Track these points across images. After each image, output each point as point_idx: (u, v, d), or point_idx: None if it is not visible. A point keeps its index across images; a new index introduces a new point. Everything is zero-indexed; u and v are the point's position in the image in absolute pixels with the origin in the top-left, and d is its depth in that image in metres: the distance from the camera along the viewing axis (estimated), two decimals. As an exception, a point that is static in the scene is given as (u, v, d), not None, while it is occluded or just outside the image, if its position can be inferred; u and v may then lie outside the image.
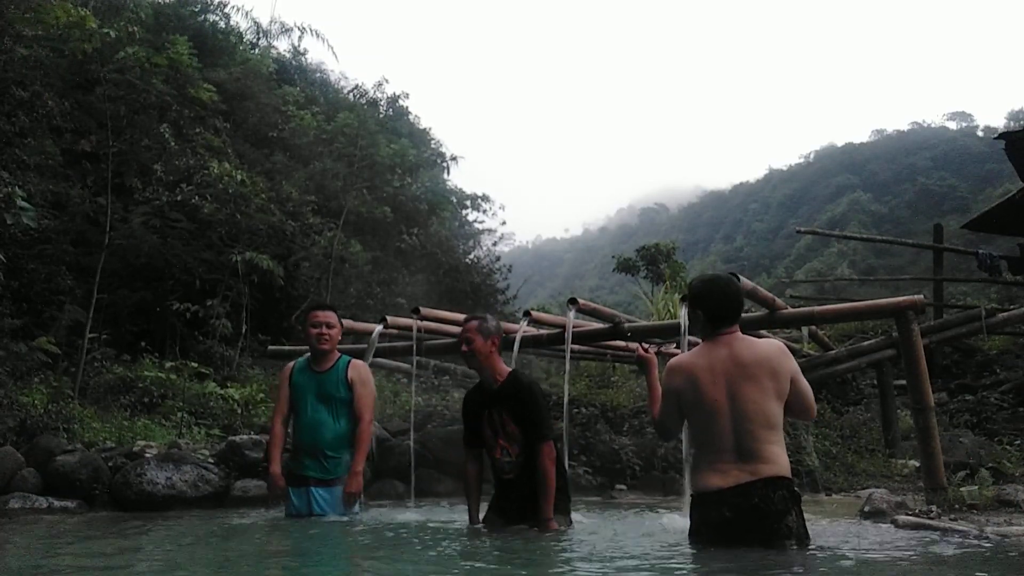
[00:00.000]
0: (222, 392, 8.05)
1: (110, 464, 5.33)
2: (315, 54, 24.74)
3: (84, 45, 9.31)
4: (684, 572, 2.95)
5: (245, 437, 5.83)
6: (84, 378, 7.62)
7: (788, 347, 3.36)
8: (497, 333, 3.93)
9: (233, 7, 16.53)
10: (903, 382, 6.84)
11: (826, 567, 2.77)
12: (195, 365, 8.80)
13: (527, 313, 5.90)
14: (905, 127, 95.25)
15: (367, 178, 14.27)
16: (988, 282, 15.00)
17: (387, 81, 22.71)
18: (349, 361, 4.54)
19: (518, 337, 5.30)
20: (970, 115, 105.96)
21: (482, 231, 21.43)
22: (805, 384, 3.15)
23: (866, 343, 8.28)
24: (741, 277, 4.36)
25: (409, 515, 4.77)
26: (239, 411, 7.68)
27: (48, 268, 9.18)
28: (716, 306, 3.19)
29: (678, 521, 3.77)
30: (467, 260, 17.78)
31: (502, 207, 21.61)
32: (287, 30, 18.40)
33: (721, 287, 3.24)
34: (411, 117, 21.21)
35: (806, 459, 6.23)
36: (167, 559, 3.37)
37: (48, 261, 9.24)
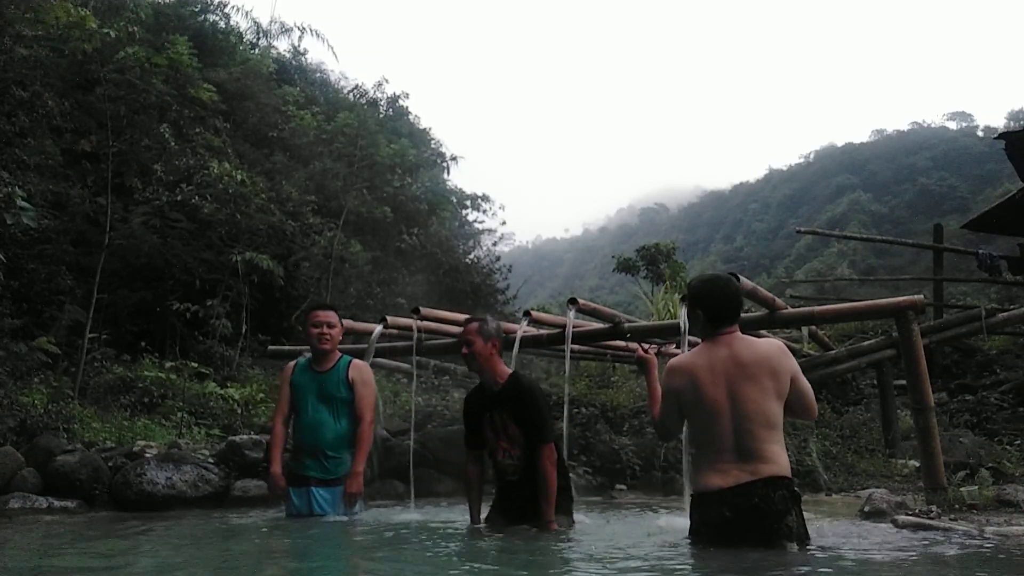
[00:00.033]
0: (222, 392, 8.05)
1: (110, 464, 5.33)
2: (315, 54, 24.78)
3: (84, 45, 9.32)
4: (684, 572, 2.95)
5: (245, 437, 5.83)
6: (84, 378, 7.62)
7: (788, 347, 3.36)
8: (497, 335, 3.92)
9: (233, 7, 16.56)
10: (903, 382, 6.83)
11: (826, 567, 2.77)
12: (195, 365, 8.80)
13: (527, 313, 5.89)
14: (905, 127, 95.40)
15: (367, 178, 14.28)
16: (988, 282, 15.00)
17: (387, 81, 22.76)
18: (350, 361, 4.54)
19: (518, 337, 5.30)
20: (970, 115, 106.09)
21: (482, 231, 21.46)
22: (805, 383, 3.15)
23: (866, 343, 8.27)
24: (741, 277, 4.36)
25: (409, 515, 4.77)
26: (239, 411, 7.68)
27: (48, 268, 9.18)
28: (716, 306, 3.19)
29: (678, 521, 3.77)
30: (467, 260, 17.78)
31: (502, 207, 21.65)
32: (287, 30, 18.43)
33: (721, 287, 3.24)
34: (411, 117, 21.23)
35: (806, 459, 6.23)
36: (167, 559, 3.37)
37: (48, 261, 9.23)
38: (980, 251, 13.09)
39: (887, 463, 6.76)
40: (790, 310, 6.09)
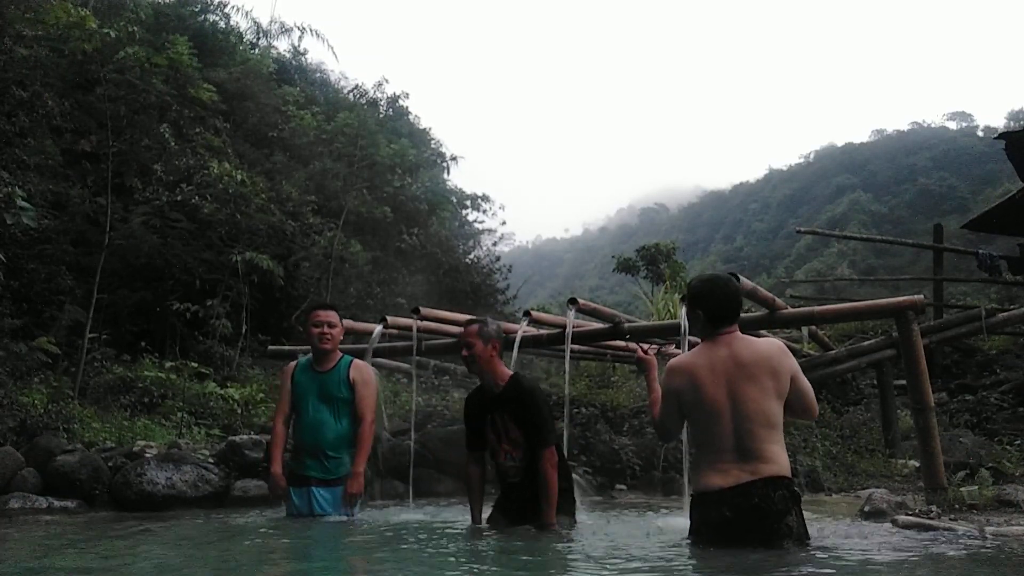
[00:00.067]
0: (222, 392, 8.05)
1: (110, 464, 5.33)
2: (315, 54, 24.80)
3: (84, 45, 9.32)
4: (684, 572, 2.96)
5: (245, 437, 5.82)
6: (84, 378, 7.62)
7: (788, 347, 3.36)
8: (497, 337, 3.90)
9: (233, 7, 16.58)
10: (903, 382, 6.83)
11: (826, 567, 2.77)
12: (195, 365, 8.80)
13: (527, 313, 5.89)
14: (905, 127, 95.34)
15: (367, 178, 14.29)
16: (988, 282, 15.00)
17: (387, 81, 22.76)
18: (351, 361, 4.53)
19: (518, 337, 5.30)
20: (970, 115, 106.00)
21: (482, 231, 21.49)
22: (806, 383, 3.15)
23: (866, 343, 8.27)
24: (741, 277, 4.36)
25: (409, 515, 4.77)
26: (239, 411, 7.68)
27: (48, 268, 9.18)
28: (716, 306, 3.19)
29: (678, 521, 3.77)
30: (467, 260, 17.80)
31: (502, 207, 21.69)
32: (287, 30, 18.46)
33: (720, 287, 3.24)
34: (411, 117, 21.25)
35: (807, 459, 6.23)
36: (167, 559, 3.37)
37: (48, 261, 9.24)
38: (980, 251, 13.09)
39: (887, 463, 6.76)
40: (790, 310, 6.09)
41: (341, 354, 4.58)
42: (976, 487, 4.88)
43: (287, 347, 7.66)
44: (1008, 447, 6.66)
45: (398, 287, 13.84)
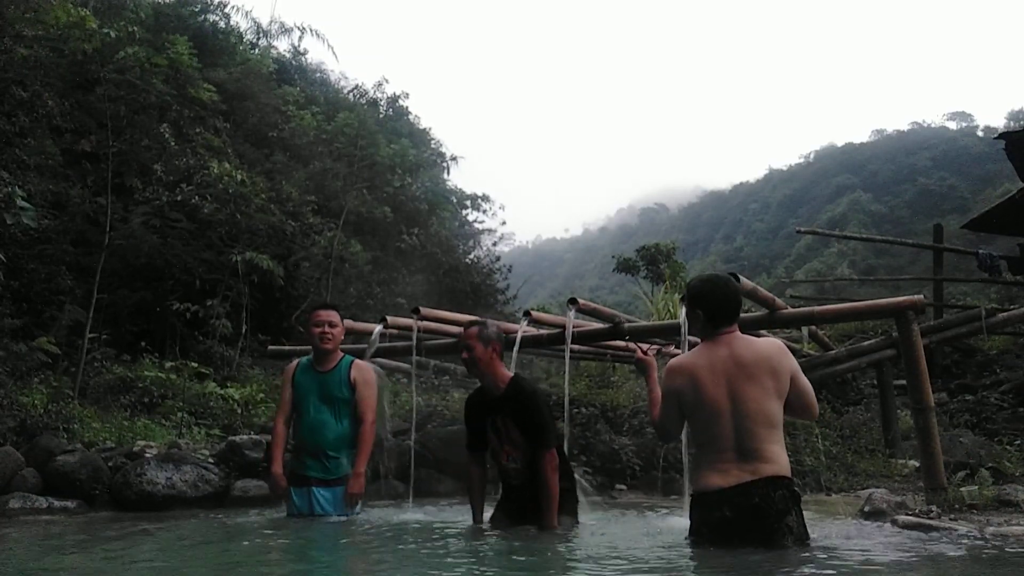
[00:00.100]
0: (222, 392, 8.05)
1: (110, 464, 5.33)
2: (315, 54, 24.80)
3: (84, 45, 9.33)
4: (684, 572, 2.96)
5: (245, 437, 5.82)
6: (84, 378, 7.61)
7: (788, 347, 3.36)
8: (497, 339, 3.88)
9: (233, 7, 16.59)
10: (903, 382, 6.83)
11: (826, 567, 2.77)
12: (195, 365, 8.80)
13: (527, 313, 5.89)
14: (905, 127, 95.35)
15: (367, 178, 14.29)
16: (988, 282, 14.99)
17: (387, 81, 22.78)
18: (352, 361, 4.53)
19: (518, 337, 5.30)
20: (970, 115, 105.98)
21: (482, 231, 21.51)
22: (805, 382, 3.15)
23: (866, 343, 8.27)
24: (741, 277, 4.36)
25: (409, 515, 4.77)
26: (239, 411, 7.67)
27: (48, 268, 9.18)
28: (715, 306, 3.19)
29: (678, 521, 3.77)
30: (467, 260, 17.80)
31: (502, 207, 21.73)
32: (287, 30, 18.47)
33: (720, 287, 3.24)
34: (411, 117, 21.27)
35: (807, 459, 6.22)
36: (167, 559, 3.37)
37: (48, 261, 9.24)
38: (980, 251, 13.08)
39: (887, 463, 6.76)
40: (790, 310, 6.08)
41: (342, 354, 4.58)
42: (976, 487, 4.88)
43: (287, 347, 7.65)
44: (1008, 447, 6.66)
45: (398, 287, 13.84)
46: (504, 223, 23.91)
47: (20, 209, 7.15)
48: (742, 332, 3.23)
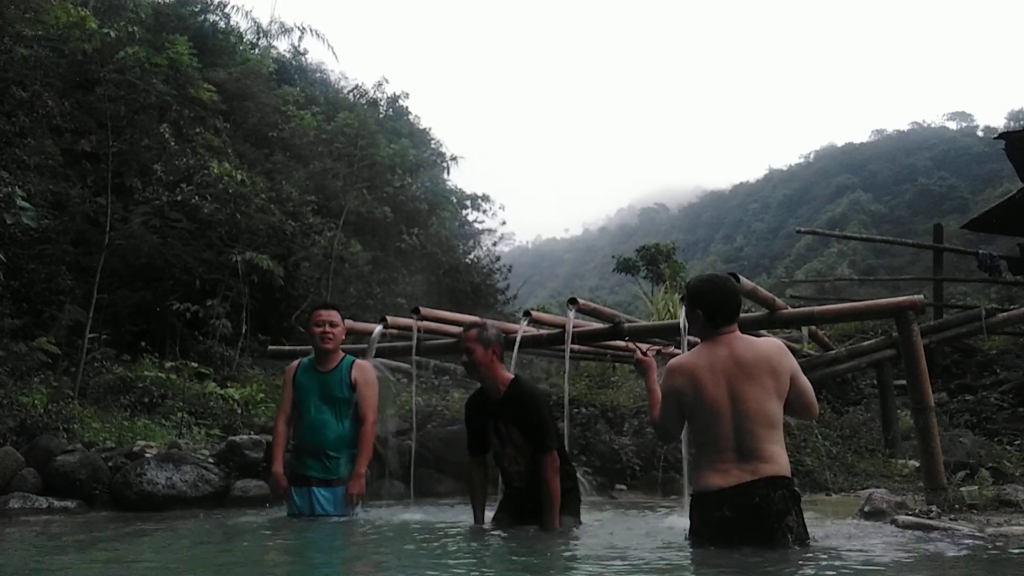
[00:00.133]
0: (222, 392, 8.04)
1: (110, 464, 5.33)
2: (315, 54, 24.78)
3: (84, 45, 9.33)
4: (684, 572, 2.96)
5: (245, 437, 5.82)
6: (84, 378, 7.61)
7: (788, 347, 3.36)
8: (497, 342, 3.87)
9: (233, 7, 16.58)
10: (903, 382, 6.83)
11: (826, 567, 2.77)
12: (195, 365, 8.80)
13: (527, 313, 5.89)
14: (905, 127, 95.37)
15: (367, 178, 14.29)
16: (988, 282, 15.00)
17: (387, 81, 22.76)
18: (353, 361, 4.53)
19: (518, 337, 5.30)
20: (970, 115, 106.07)
21: (482, 231, 21.50)
22: (805, 382, 3.15)
23: (866, 343, 8.27)
24: (741, 277, 4.36)
25: (409, 515, 4.77)
26: (239, 411, 7.67)
27: (48, 268, 9.18)
28: (715, 306, 3.19)
29: (678, 521, 3.77)
30: (467, 260, 17.80)
31: (502, 207, 21.71)
32: (287, 30, 18.47)
33: (720, 286, 3.24)
34: (411, 117, 21.27)
35: (807, 459, 6.23)
36: (167, 559, 3.37)
37: (48, 261, 9.23)
38: (980, 251, 13.09)
39: (887, 463, 6.76)
40: (790, 310, 6.09)
41: (343, 354, 4.57)
42: (976, 487, 4.88)
43: (287, 347, 7.65)
44: (1008, 447, 6.66)
45: (398, 287, 13.84)
46: (504, 223, 23.91)
47: (20, 209, 7.15)
48: (742, 332, 3.24)
